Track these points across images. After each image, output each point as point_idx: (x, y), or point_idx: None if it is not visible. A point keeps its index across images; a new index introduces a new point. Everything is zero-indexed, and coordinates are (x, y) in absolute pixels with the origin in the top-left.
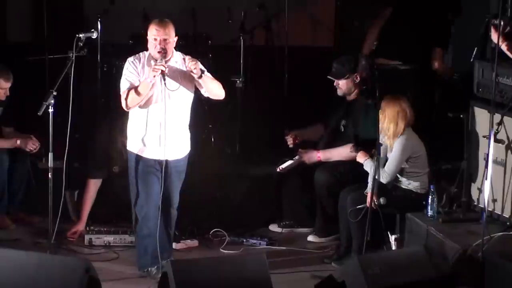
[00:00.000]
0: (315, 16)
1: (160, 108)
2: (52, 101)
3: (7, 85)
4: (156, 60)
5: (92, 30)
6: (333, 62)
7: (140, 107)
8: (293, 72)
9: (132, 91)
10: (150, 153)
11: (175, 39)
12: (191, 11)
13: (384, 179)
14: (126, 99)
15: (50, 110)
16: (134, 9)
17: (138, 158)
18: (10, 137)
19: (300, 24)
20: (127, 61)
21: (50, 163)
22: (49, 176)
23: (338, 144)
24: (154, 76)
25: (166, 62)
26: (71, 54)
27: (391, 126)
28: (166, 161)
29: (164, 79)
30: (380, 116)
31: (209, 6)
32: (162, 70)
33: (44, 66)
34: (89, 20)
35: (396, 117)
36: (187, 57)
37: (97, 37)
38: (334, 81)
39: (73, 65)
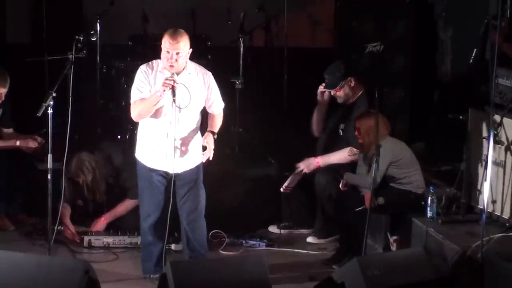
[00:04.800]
0: (315, 17)
1: (169, 121)
2: (51, 102)
3: (3, 90)
4: (172, 74)
5: (92, 32)
6: (324, 74)
7: (150, 117)
8: (293, 73)
9: (142, 102)
10: (158, 164)
11: (189, 51)
12: (191, 12)
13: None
14: (135, 109)
15: (50, 111)
16: (133, 10)
17: (146, 167)
18: (10, 138)
19: (300, 25)
20: (139, 69)
21: (49, 165)
22: (48, 177)
23: (337, 147)
24: (164, 91)
25: (177, 74)
26: (70, 55)
27: (366, 139)
28: (174, 175)
29: (174, 95)
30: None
31: (209, 7)
32: (172, 85)
33: (44, 67)
34: (88, 21)
35: (369, 132)
36: (204, 156)
37: (96, 38)
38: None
39: (72, 66)
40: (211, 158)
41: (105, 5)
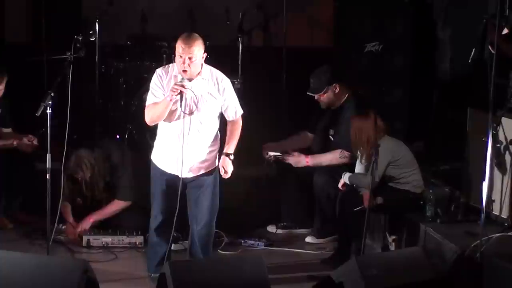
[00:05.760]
0: (313, 16)
1: (181, 125)
2: (50, 102)
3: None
4: (182, 79)
5: (91, 32)
6: (310, 77)
7: (164, 121)
8: (292, 72)
9: (153, 106)
10: (169, 168)
11: (204, 55)
12: (189, 12)
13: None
14: (148, 113)
15: (48, 111)
16: (132, 10)
17: (158, 170)
18: (9, 138)
19: (298, 25)
20: (155, 72)
21: (48, 164)
22: (47, 177)
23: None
24: (172, 95)
25: (191, 80)
26: (69, 55)
27: (353, 139)
28: (182, 179)
29: (181, 100)
30: (353, 132)
31: (207, 6)
32: (180, 91)
33: (43, 67)
34: (87, 21)
35: (356, 132)
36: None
37: (95, 38)
38: (314, 96)
39: (71, 66)
40: (227, 177)
41: (104, 5)
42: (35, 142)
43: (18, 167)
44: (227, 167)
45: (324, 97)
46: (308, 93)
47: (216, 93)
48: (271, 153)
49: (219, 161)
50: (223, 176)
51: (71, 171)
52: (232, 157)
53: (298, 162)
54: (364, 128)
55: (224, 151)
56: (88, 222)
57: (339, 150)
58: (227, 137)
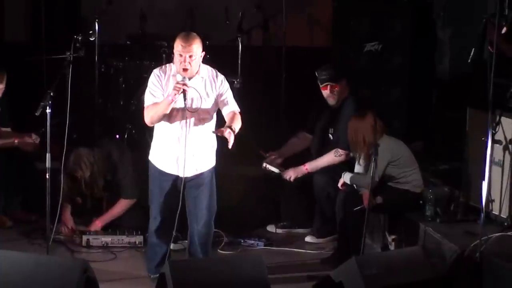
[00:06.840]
0: (313, 16)
1: (181, 125)
2: (50, 102)
3: (0, 86)
4: (183, 77)
5: (90, 31)
6: (318, 71)
7: (163, 121)
8: (291, 72)
9: (154, 107)
10: (168, 168)
11: (202, 54)
12: (189, 11)
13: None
14: (148, 114)
15: (48, 110)
16: (131, 9)
17: (157, 170)
18: (8, 137)
19: (298, 25)
20: (152, 72)
21: (48, 164)
22: (47, 176)
23: (329, 150)
24: (175, 95)
25: (190, 78)
26: (69, 55)
27: (350, 139)
28: (184, 178)
29: (185, 99)
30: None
31: (207, 6)
32: (184, 90)
33: (42, 66)
34: (86, 20)
35: (352, 132)
36: (227, 134)
37: (94, 37)
38: (326, 90)
39: (70, 66)
40: (231, 139)
41: (103, 4)
42: (37, 141)
43: (18, 166)
44: (229, 131)
45: (338, 89)
46: (325, 83)
47: (214, 91)
48: (270, 168)
49: (216, 159)
50: (228, 137)
51: (70, 170)
52: (235, 131)
53: (298, 173)
54: (360, 129)
55: (227, 125)
56: (96, 227)
57: (333, 150)
58: (228, 121)
